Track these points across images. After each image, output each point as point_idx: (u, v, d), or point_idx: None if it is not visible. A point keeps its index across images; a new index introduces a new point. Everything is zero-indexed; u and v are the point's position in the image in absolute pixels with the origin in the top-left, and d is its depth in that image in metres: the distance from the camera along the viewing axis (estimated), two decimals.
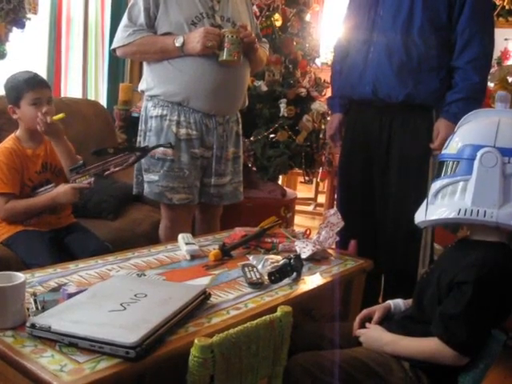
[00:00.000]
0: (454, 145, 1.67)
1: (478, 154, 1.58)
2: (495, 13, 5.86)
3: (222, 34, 2.55)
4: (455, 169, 1.64)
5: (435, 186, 1.69)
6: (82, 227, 2.65)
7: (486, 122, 1.65)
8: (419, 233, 2.52)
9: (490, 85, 4.00)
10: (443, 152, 1.72)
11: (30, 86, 2.40)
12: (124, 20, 2.65)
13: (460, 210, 1.58)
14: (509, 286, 1.55)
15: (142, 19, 2.60)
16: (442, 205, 1.66)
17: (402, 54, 2.46)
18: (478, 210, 1.56)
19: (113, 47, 2.73)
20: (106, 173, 2.40)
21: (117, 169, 2.40)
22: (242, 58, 2.61)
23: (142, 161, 2.71)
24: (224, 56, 2.56)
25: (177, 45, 2.55)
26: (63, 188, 2.37)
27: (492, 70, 4.68)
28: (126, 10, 2.67)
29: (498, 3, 5.93)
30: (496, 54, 6.21)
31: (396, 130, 2.56)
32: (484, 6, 2.49)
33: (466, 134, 1.67)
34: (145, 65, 2.81)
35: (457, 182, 1.62)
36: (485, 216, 1.55)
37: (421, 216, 1.72)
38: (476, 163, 1.58)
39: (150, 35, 2.61)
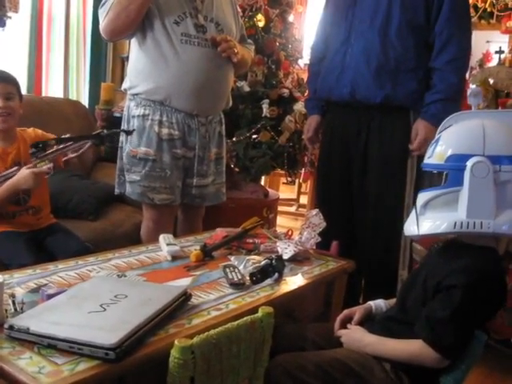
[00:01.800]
0: (440, 153, 1.63)
1: (469, 165, 1.55)
2: (477, 15, 5.91)
3: None
4: (444, 179, 1.60)
5: (424, 196, 1.65)
6: (62, 228, 2.62)
7: (471, 127, 1.62)
8: (398, 233, 2.53)
9: (472, 86, 4.03)
10: (428, 161, 1.69)
11: None
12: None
13: (456, 223, 1.56)
14: (496, 291, 1.56)
15: None
16: (433, 217, 1.63)
17: (379, 56, 2.47)
18: (475, 222, 1.54)
19: (100, 29, 2.62)
20: (64, 158, 2.34)
21: (73, 155, 2.33)
22: None
23: (124, 161, 2.70)
24: None
25: None
26: (23, 173, 2.25)
27: (474, 72, 4.73)
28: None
29: (479, 6, 5.97)
30: (478, 56, 6.25)
31: (374, 131, 2.57)
32: (462, 6, 2.51)
33: (450, 141, 1.63)
34: (129, 63, 2.78)
35: (448, 194, 1.59)
36: (481, 228, 1.54)
37: (412, 229, 1.68)
38: (467, 174, 1.55)
39: None
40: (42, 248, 2.45)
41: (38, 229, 2.52)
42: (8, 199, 2.35)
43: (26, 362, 1.23)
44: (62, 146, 2.29)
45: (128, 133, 2.56)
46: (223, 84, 2.76)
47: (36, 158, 2.26)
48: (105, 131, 2.48)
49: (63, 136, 2.34)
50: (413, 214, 1.70)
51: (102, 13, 2.57)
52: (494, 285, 1.56)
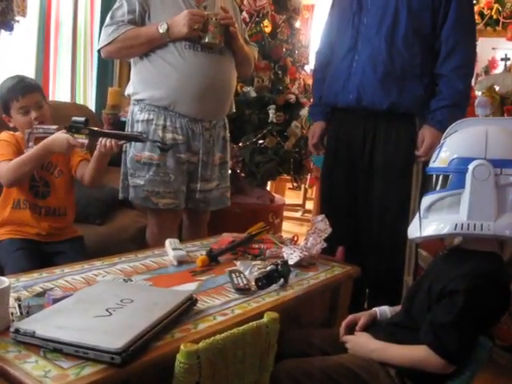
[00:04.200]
0: (443, 157, 1.66)
1: (470, 168, 1.57)
2: (483, 22, 5.91)
3: (207, 16, 2.57)
4: (447, 182, 1.62)
5: (427, 200, 1.68)
6: (81, 247, 2.55)
7: (474, 133, 1.65)
8: (404, 240, 2.52)
9: (478, 93, 4.03)
10: (432, 165, 1.71)
11: (14, 96, 2.35)
12: (107, 20, 2.65)
13: (456, 224, 1.58)
14: (499, 296, 1.56)
15: (125, 17, 2.60)
16: (436, 219, 1.65)
17: (386, 62, 2.47)
18: (475, 224, 1.56)
19: (98, 48, 2.72)
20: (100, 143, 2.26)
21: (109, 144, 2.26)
22: (223, 41, 2.63)
23: (128, 165, 2.71)
24: (207, 39, 2.57)
25: (161, 31, 2.54)
26: (60, 136, 2.20)
27: (479, 79, 4.73)
28: (110, 12, 2.66)
29: (485, 13, 5.98)
30: (484, 62, 6.25)
31: (379, 137, 2.57)
32: (467, 14, 2.51)
33: (454, 146, 1.66)
34: (132, 69, 2.80)
35: (449, 196, 1.61)
36: (482, 229, 1.55)
37: (415, 231, 1.70)
38: (469, 177, 1.57)
39: (133, 28, 2.59)
40: (49, 262, 2.31)
41: (53, 241, 2.45)
42: (39, 159, 2.29)
43: (31, 366, 1.23)
44: (102, 131, 2.26)
45: (163, 149, 2.52)
46: (226, 89, 2.77)
47: (76, 128, 2.20)
48: (144, 135, 2.40)
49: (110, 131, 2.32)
50: (416, 218, 1.72)
51: (105, 36, 2.63)
52: (496, 289, 1.55)
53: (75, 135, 2.20)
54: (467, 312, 1.51)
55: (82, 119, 2.22)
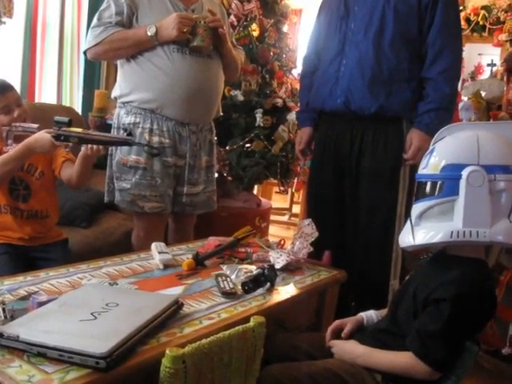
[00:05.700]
0: (434, 164, 1.63)
1: (464, 174, 1.55)
2: (469, 28, 5.96)
3: (195, 19, 2.57)
4: (439, 189, 1.59)
5: (419, 207, 1.65)
6: (65, 250, 2.53)
7: (465, 138, 1.62)
8: (390, 244, 2.53)
9: (464, 98, 4.06)
10: (422, 172, 1.68)
11: None
12: (94, 21, 2.63)
13: (452, 232, 1.55)
14: (485, 303, 1.56)
15: (112, 19, 2.58)
16: (429, 227, 1.62)
17: (373, 66, 2.48)
18: (471, 231, 1.53)
19: (84, 50, 2.70)
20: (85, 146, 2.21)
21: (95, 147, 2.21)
22: (211, 44, 2.63)
23: (114, 169, 2.69)
24: (196, 42, 2.57)
25: (149, 34, 2.54)
26: (43, 136, 2.12)
27: (466, 84, 4.76)
28: (97, 13, 2.64)
29: (472, 19, 6.03)
30: (470, 68, 6.30)
31: (367, 142, 2.57)
32: (453, 18, 2.53)
33: (445, 152, 1.63)
34: (118, 71, 2.78)
35: (443, 203, 1.59)
36: (478, 236, 1.53)
37: (408, 240, 1.67)
38: (463, 183, 1.55)
39: (121, 30, 2.58)
40: (33, 266, 2.27)
41: (37, 245, 2.42)
42: (21, 159, 2.22)
43: (15, 371, 1.22)
44: (87, 133, 2.18)
45: (153, 155, 2.50)
46: (214, 93, 2.77)
47: (59, 128, 2.11)
48: (132, 139, 2.34)
49: (94, 132, 2.22)
50: (408, 225, 1.69)
51: (92, 37, 2.61)
52: (483, 297, 1.55)
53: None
54: (454, 320, 1.50)
55: (66, 119, 2.14)
